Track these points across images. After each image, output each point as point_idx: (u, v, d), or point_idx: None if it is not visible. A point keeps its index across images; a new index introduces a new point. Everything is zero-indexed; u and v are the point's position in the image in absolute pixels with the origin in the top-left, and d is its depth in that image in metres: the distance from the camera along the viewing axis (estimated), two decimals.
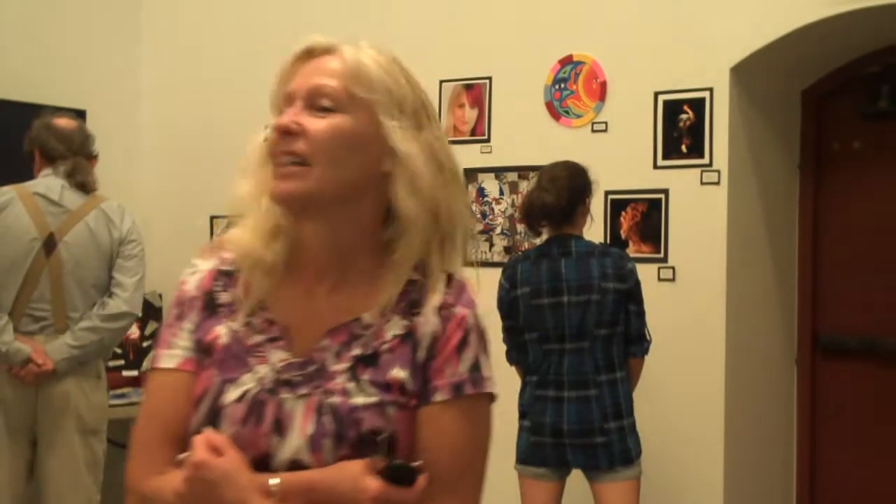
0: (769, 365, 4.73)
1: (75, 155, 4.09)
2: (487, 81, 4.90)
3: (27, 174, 4.17)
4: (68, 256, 3.98)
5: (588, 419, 3.72)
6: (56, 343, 3.93)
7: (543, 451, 3.81)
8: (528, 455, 3.83)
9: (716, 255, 4.35)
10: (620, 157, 4.54)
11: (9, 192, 3.99)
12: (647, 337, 3.85)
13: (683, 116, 4.43)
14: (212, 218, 5.77)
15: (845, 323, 4.77)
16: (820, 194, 4.83)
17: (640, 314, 3.80)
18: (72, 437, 3.99)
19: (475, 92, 4.93)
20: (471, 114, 4.93)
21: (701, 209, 4.38)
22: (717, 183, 4.35)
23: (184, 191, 5.89)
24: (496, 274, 4.64)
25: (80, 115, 5.26)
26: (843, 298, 4.79)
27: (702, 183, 4.38)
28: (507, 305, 3.87)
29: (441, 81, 5.00)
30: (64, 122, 4.16)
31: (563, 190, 3.78)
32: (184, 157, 5.89)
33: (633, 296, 3.77)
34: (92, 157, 4.20)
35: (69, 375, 3.96)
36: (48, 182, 4.06)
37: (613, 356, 3.77)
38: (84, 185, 4.08)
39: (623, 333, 3.78)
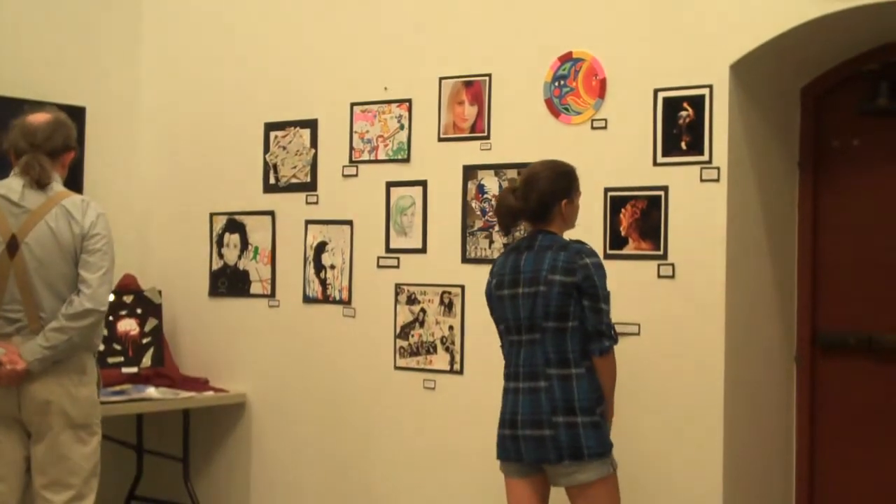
0: (769, 362, 4.73)
1: (35, 150, 4.03)
2: (487, 78, 4.90)
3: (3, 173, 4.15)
4: (31, 257, 3.95)
5: (537, 411, 3.74)
6: (29, 344, 3.93)
7: (505, 443, 3.85)
8: (499, 449, 3.88)
9: (715, 252, 4.35)
10: (620, 155, 4.54)
11: None
12: (610, 335, 3.75)
13: (683, 113, 4.43)
14: (211, 215, 5.77)
15: (845, 320, 4.77)
16: (819, 191, 4.83)
17: (597, 311, 3.72)
18: (62, 434, 3.98)
19: (475, 89, 4.93)
20: (470, 111, 4.93)
21: (700, 206, 4.38)
22: (717, 180, 4.35)
23: (183, 187, 5.89)
24: None
25: (79, 111, 5.29)
26: (842, 295, 4.79)
27: (701, 180, 4.38)
28: (487, 297, 3.98)
29: (440, 78, 5.00)
30: (34, 118, 4.10)
31: (532, 192, 3.82)
32: (183, 154, 5.90)
33: (583, 291, 3.71)
34: (61, 152, 4.12)
35: (49, 374, 3.95)
36: (10, 182, 4.04)
37: (567, 351, 3.73)
38: (39, 182, 4.01)
39: (579, 329, 3.73)
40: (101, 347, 4.33)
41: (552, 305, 3.73)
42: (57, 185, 4.07)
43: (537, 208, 3.83)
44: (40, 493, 4.02)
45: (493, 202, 4.82)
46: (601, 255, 4.38)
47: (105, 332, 4.36)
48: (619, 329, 4.27)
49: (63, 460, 4.00)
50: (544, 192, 3.81)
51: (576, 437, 3.68)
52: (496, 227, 4.82)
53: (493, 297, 3.91)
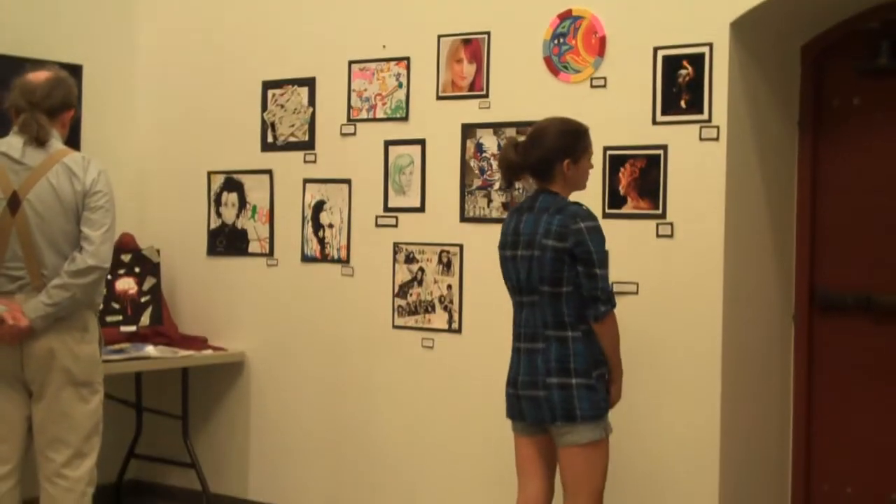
0: (766, 321, 4.73)
1: (33, 108, 4.00)
2: (486, 36, 4.87)
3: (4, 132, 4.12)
4: (33, 214, 3.94)
5: (534, 372, 3.75)
6: (32, 302, 3.93)
7: (511, 402, 3.88)
8: (507, 408, 3.91)
9: (714, 211, 4.34)
10: (619, 113, 4.52)
11: None
12: (606, 300, 3.68)
13: (683, 72, 4.41)
14: (209, 173, 5.76)
15: (843, 279, 4.78)
16: (819, 151, 4.82)
17: (591, 276, 3.66)
18: (63, 391, 3.99)
19: (473, 47, 4.90)
20: (469, 69, 4.91)
21: (700, 165, 4.37)
22: (716, 139, 4.34)
23: (180, 146, 5.87)
24: (494, 229, 4.64)
25: (76, 70, 5.26)
26: (840, 255, 4.79)
27: (701, 139, 4.37)
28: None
29: (439, 36, 4.98)
30: (34, 76, 4.08)
31: (533, 149, 3.79)
32: (181, 113, 5.87)
33: (577, 256, 3.66)
34: (60, 111, 4.09)
35: (51, 331, 3.95)
36: (10, 140, 4.02)
37: (563, 315, 3.71)
38: (38, 140, 3.99)
39: (574, 293, 3.69)
40: (101, 306, 4.33)
41: (545, 270, 3.70)
42: (57, 143, 4.06)
43: (537, 165, 3.79)
44: (42, 452, 4.03)
45: (492, 161, 4.81)
46: (600, 213, 4.38)
47: (104, 290, 4.36)
48: (617, 288, 4.28)
49: (64, 418, 4.01)
50: (546, 149, 3.76)
51: (569, 399, 3.68)
52: (495, 186, 4.82)
53: (501, 257, 3.90)
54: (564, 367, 3.69)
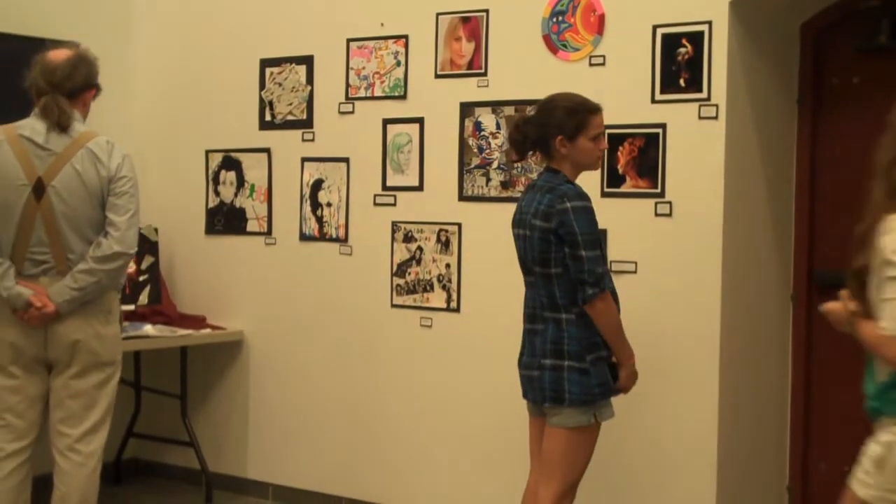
0: (765, 300, 4.73)
1: (54, 90, 3.96)
2: (484, 14, 4.85)
3: (23, 109, 4.08)
4: (58, 201, 3.92)
5: (533, 353, 3.76)
6: (58, 286, 3.92)
7: (521, 382, 3.88)
8: (521, 388, 3.90)
9: (713, 190, 4.34)
10: (618, 92, 4.50)
11: None
12: (592, 282, 3.59)
13: (682, 50, 4.39)
14: (207, 152, 5.75)
15: (841, 258, 4.76)
16: (818, 129, 4.80)
17: (577, 258, 3.59)
18: (87, 371, 4.00)
19: (472, 25, 4.88)
20: (468, 47, 4.89)
21: (699, 144, 4.36)
22: (715, 117, 4.33)
23: (178, 124, 5.86)
24: (493, 208, 4.66)
25: None
26: (839, 234, 4.75)
27: (700, 117, 4.35)
28: None
29: (438, 14, 4.96)
30: (54, 55, 4.04)
31: (529, 124, 3.76)
32: (178, 91, 5.86)
33: (562, 238, 3.60)
34: (81, 91, 4.06)
35: (76, 314, 3.96)
36: (33, 124, 3.98)
37: (556, 296, 3.68)
38: (60, 125, 3.95)
39: (564, 275, 3.64)
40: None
41: (535, 251, 3.69)
42: (79, 125, 4.02)
43: (537, 141, 3.76)
44: (56, 427, 4.05)
45: (491, 139, 4.80)
46: (598, 193, 4.37)
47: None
48: (615, 267, 4.28)
49: (84, 395, 4.03)
50: (542, 125, 3.72)
51: (559, 381, 3.66)
52: (494, 165, 4.81)
53: (513, 234, 3.87)
54: (558, 350, 3.68)
